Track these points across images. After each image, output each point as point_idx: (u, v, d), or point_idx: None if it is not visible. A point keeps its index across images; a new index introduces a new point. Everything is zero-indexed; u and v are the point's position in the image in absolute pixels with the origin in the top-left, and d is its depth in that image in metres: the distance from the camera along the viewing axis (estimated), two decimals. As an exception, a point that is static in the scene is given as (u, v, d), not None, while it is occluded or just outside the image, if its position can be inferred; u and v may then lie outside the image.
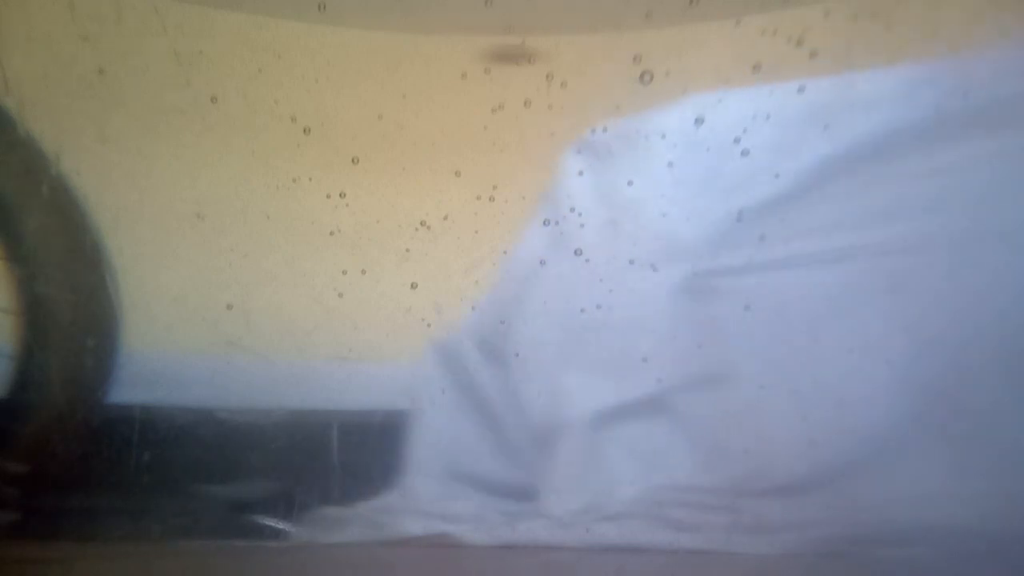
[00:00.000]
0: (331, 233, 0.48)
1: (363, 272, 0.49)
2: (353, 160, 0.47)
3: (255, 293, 0.49)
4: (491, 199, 0.47)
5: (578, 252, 0.48)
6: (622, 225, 0.48)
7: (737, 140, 0.47)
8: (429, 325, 0.49)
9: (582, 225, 0.48)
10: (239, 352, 0.49)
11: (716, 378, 0.50)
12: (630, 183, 0.48)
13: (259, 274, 0.49)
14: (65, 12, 0.46)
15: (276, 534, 0.48)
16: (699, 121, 0.46)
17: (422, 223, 0.48)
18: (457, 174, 0.47)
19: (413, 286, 0.49)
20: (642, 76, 0.46)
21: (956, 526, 0.48)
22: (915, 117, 0.47)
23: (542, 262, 0.48)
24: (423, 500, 0.49)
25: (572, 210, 0.48)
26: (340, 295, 0.49)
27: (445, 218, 0.48)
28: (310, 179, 0.48)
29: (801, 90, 0.46)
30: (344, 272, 0.49)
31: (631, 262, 0.49)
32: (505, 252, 0.48)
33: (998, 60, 0.46)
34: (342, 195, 0.48)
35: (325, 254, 0.49)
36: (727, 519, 0.49)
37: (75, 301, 0.48)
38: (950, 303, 0.48)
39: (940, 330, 0.48)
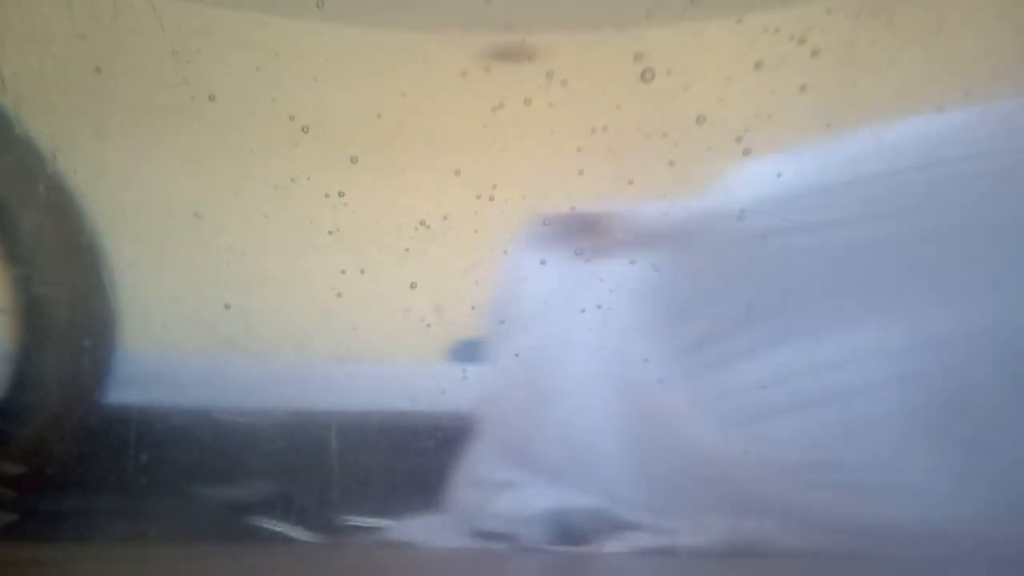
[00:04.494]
0: (330, 232, 0.48)
1: (362, 272, 0.48)
2: (352, 159, 0.47)
3: (253, 293, 0.49)
4: (491, 199, 0.47)
5: (578, 252, 0.48)
6: (622, 225, 0.48)
7: (739, 139, 0.46)
8: (429, 325, 0.49)
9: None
10: (237, 352, 0.49)
11: (717, 378, 0.50)
12: (630, 182, 0.48)
13: (257, 274, 0.49)
14: (62, 10, 0.46)
15: (274, 536, 0.48)
16: (700, 119, 0.46)
17: (421, 222, 0.48)
18: (457, 173, 0.47)
19: (412, 286, 0.48)
20: (643, 74, 0.45)
21: (956, 526, 0.48)
22: (917, 114, 0.47)
23: (542, 262, 0.48)
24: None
25: (572, 210, 0.48)
26: (339, 295, 0.49)
27: (445, 218, 0.48)
28: (308, 178, 0.47)
29: (803, 88, 0.46)
30: (343, 272, 0.48)
31: (631, 262, 0.48)
32: (506, 251, 0.48)
33: (1000, 57, 0.46)
34: (341, 194, 0.47)
35: (324, 254, 0.48)
36: (728, 520, 0.49)
37: (71, 301, 0.48)
38: (953, 302, 0.48)
39: (942, 329, 0.48)
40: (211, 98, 0.46)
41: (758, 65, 0.46)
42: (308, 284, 0.49)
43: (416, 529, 0.49)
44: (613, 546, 0.48)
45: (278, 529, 0.48)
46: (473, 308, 0.49)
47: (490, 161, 0.47)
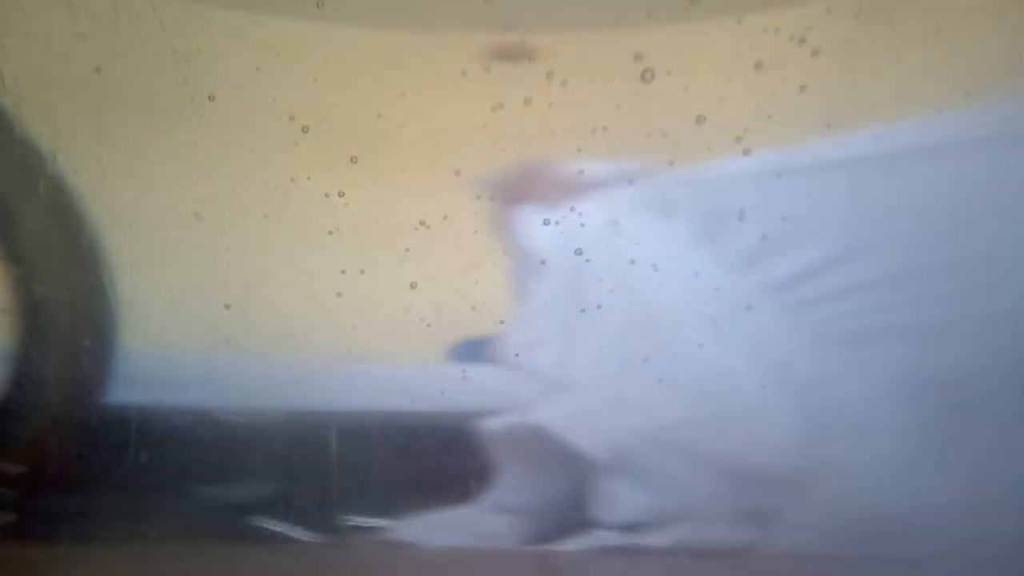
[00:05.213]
0: (330, 232, 0.48)
1: (362, 272, 0.48)
2: (352, 159, 0.47)
3: (253, 293, 0.49)
4: (491, 198, 0.47)
5: (578, 252, 0.48)
6: (623, 224, 0.48)
7: (739, 139, 0.46)
8: (429, 325, 0.49)
9: (582, 224, 0.48)
10: (237, 352, 0.49)
11: (716, 378, 0.50)
12: (630, 182, 0.48)
13: (257, 274, 0.49)
14: (63, 10, 0.46)
15: (274, 536, 0.48)
16: (700, 119, 0.46)
17: (421, 223, 0.48)
18: (457, 173, 0.47)
19: (412, 286, 0.48)
20: (643, 74, 0.45)
21: (957, 526, 0.48)
22: (917, 115, 0.47)
23: (542, 262, 0.48)
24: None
25: (572, 209, 0.48)
26: (339, 295, 0.49)
27: (445, 218, 0.48)
28: (308, 178, 0.47)
29: (803, 88, 0.46)
30: (343, 272, 0.48)
31: (632, 262, 0.48)
32: (506, 252, 0.48)
33: (1000, 57, 0.46)
34: (341, 194, 0.47)
35: (324, 254, 0.48)
36: (728, 521, 0.49)
37: (72, 301, 0.48)
38: (954, 302, 0.48)
39: (943, 329, 0.48)
40: (211, 98, 0.46)
41: (758, 65, 0.46)
42: (308, 284, 0.49)
43: (416, 529, 0.49)
44: (612, 545, 0.48)
45: (278, 529, 0.48)
46: (473, 308, 0.49)
47: (490, 161, 0.47)
